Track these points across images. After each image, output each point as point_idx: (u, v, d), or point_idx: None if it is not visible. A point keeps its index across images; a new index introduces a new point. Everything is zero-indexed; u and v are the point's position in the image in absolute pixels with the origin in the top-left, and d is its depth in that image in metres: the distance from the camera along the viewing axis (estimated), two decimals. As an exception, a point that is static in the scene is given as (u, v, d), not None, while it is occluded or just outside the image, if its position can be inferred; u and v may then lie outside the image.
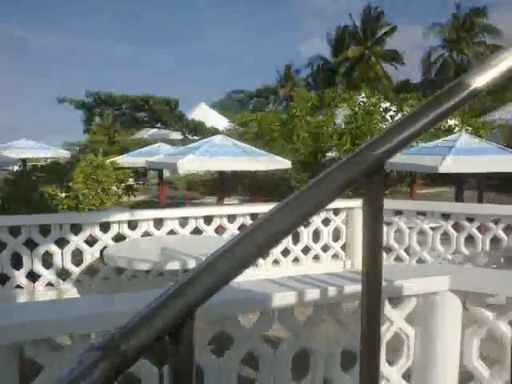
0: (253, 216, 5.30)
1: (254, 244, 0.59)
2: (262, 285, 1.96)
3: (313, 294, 1.94)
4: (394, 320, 2.18)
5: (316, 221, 5.51)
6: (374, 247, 0.67)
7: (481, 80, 0.66)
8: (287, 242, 5.32)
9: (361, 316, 0.68)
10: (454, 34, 38.60)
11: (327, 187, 0.62)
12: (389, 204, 5.53)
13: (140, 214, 4.70)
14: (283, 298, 1.90)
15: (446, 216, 5.58)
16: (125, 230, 4.62)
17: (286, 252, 5.45)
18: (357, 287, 1.97)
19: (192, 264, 3.60)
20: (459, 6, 39.43)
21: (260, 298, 1.89)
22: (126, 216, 4.62)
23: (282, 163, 7.11)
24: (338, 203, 5.29)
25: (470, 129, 11.47)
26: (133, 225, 4.72)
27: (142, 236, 4.65)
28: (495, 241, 5.34)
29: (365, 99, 9.81)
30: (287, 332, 2.02)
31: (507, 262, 5.29)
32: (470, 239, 5.45)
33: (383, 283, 0.69)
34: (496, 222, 5.33)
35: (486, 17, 38.56)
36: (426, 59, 39.64)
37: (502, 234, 5.27)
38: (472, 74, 0.66)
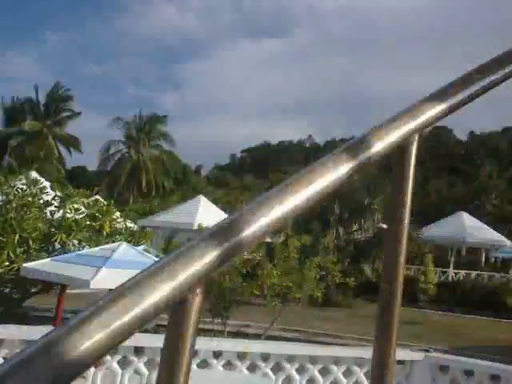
0: None
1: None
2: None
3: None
4: None
5: None
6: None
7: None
8: None
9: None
10: (135, 134, 41.43)
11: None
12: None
13: None
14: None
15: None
16: None
17: None
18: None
19: None
20: (141, 109, 43.38)
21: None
22: None
23: None
24: None
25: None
26: None
27: None
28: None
29: (24, 187, 8.66)
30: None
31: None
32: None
33: None
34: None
35: (164, 124, 43.22)
36: (105, 151, 40.79)
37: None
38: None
